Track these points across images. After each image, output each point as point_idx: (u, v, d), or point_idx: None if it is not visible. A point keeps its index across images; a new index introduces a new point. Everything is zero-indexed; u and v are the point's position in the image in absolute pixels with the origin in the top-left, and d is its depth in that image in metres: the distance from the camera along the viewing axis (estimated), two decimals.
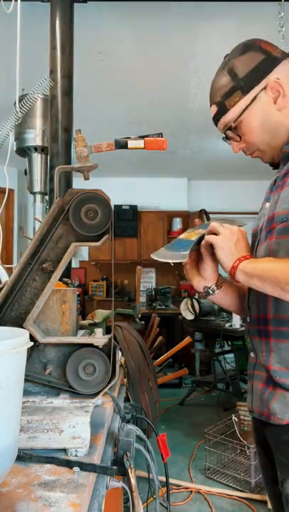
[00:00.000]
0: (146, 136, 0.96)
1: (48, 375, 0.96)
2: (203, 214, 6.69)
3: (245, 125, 1.07)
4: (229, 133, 1.11)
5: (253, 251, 1.12)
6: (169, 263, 1.04)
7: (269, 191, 1.12)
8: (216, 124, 1.14)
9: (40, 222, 1.64)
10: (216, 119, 1.12)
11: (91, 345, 0.95)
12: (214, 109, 1.11)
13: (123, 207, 6.50)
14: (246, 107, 1.05)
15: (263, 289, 0.95)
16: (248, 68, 1.03)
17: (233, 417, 3.13)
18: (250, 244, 1.14)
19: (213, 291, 1.13)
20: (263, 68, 1.03)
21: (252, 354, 1.11)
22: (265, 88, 1.03)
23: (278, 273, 0.91)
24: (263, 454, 1.15)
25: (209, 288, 1.13)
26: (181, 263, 1.06)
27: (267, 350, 1.05)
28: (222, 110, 1.09)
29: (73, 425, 0.84)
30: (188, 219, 6.81)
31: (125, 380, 1.48)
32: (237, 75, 1.04)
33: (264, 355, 1.05)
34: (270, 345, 1.04)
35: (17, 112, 1.57)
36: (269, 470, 1.12)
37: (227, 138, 1.14)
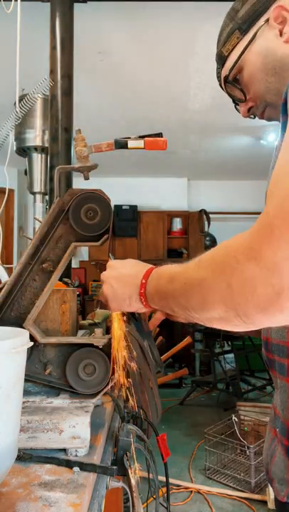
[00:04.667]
0: (147, 136, 0.96)
1: (48, 375, 0.96)
2: (203, 214, 6.70)
3: (246, 72, 0.86)
4: (231, 90, 0.91)
5: None
6: None
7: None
8: (220, 84, 0.95)
9: (40, 222, 1.64)
10: (218, 74, 0.93)
11: (91, 345, 0.95)
12: (216, 62, 0.92)
13: (123, 207, 6.50)
14: (246, 47, 0.84)
15: (180, 314, 0.69)
16: (248, 5, 0.84)
17: (233, 417, 3.13)
18: None
19: None
20: (264, 1, 0.83)
21: (273, 383, 0.88)
22: (267, 21, 0.82)
23: (178, 291, 0.65)
24: None
25: None
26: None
27: (275, 385, 0.84)
28: (221, 60, 0.90)
29: (73, 425, 0.84)
30: (188, 219, 6.81)
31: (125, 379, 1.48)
32: (236, 15, 0.86)
33: (275, 392, 0.84)
34: (276, 380, 0.82)
35: (17, 112, 1.57)
36: None
37: (235, 102, 0.94)
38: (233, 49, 0.87)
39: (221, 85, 0.95)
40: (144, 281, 0.74)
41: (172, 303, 0.68)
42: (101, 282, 0.82)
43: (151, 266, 0.78)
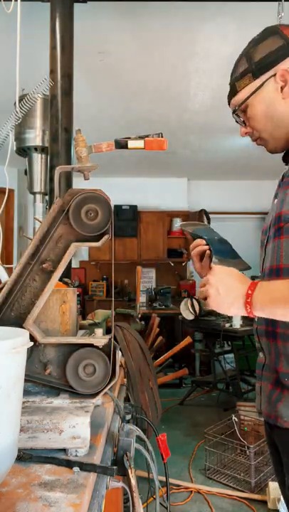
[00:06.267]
0: (147, 136, 0.96)
1: (48, 375, 0.96)
2: (203, 214, 6.69)
3: (251, 110, 1.07)
4: (237, 115, 1.12)
5: (262, 249, 1.11)
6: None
7: (277, 187, 1.11)
8: (229, 105, 1.15)
9: (40, 222, 1.64)
10: (228, 99, 1.13)
11: (91, 345, 0.95)
12: (229, 89, 1.12)
13: (123, 207, 6.50)
14: (253, 92, 1.04)
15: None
16: (263, 54, 1.02)
17: (233, 417, 3.13)
18: (260, 242, 1.13)
19: None
20: (277, 55, 1.01)
21: (261, 354, 1.09)
22: (274, 75, 1.02)
23: None
24: (275, 456, 1.13)
25: None
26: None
27: (276, 352, 1.02)
28: (233, 91, 1.10)
29: (73, 425, 0.84)
30: (189, 219, 6.81)
31: (125, 380, 1.48)
32: (252, 59, 1.04)
33: (273, 357, 1.03)
34: (279, 347, 1.01)
35: (17, 112, 1.57)
36: (280, 473, 1.10)
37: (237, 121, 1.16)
38: (244, 87, 1.06)
39: (229, 105, 1.15)
40: (250, 291, 0.90)
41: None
42: (205, 283, 0.97)
43: (255, 281, 0.93)
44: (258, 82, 1.03)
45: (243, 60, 1.06)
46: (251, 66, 1.04)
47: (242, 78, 1.06)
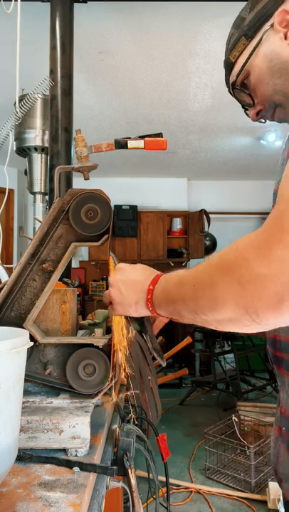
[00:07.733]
0: (147, 136, 0.96)
1: (48, 375, 0.96)
2: (203, 214, 6.69)
3: (253, 77, 0.88)
4: (240, 95, 0.93)
5: None
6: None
7: None
8: (229, 90, 0.97)
9: (40, 222, 1.64)
10: (226, 81, 0.95)
11: (91, 345, 0.95)
12: (224, 69, 0.95)
13: (123, 207, 6.50)
14: (251, 53, 0.86)
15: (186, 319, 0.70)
16: (253, 11, 0.86)
17: (233, 417, 3.13)
18: None
19: None
20: (269, 6, 0.84)
21: (279, 381, 0.87)
22: (272, 26, 0.83)
23: (188, 294, 0.66)
24: None
25: None
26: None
27: (282, 383, 0.82)
28: (228, 67, 0.92)
29: (73, 425, 0.84)
30: (189, 219, 6.81)
31: (125, 380, 1.48)
32: (242, 22, 0.87)
33: (281, 390, 0.83)
34: (283, 378, 0.82)
35: (17, 112, 1.57)
36: None
37: (244, 108, 0.95)
38: (239, 55, 0.88)
39: (229, 91, 0.96)
40: (151, 287, 0.74)
41: (181, 307, 0.68)
42: (109, 285, 0.82)
43: (160, 272, 0.78)
44: (254, 42, 0.86)
45: (233, 31, 0.90)
46: (242, 30, 0.87)
47: (235, 46, 0.88)
